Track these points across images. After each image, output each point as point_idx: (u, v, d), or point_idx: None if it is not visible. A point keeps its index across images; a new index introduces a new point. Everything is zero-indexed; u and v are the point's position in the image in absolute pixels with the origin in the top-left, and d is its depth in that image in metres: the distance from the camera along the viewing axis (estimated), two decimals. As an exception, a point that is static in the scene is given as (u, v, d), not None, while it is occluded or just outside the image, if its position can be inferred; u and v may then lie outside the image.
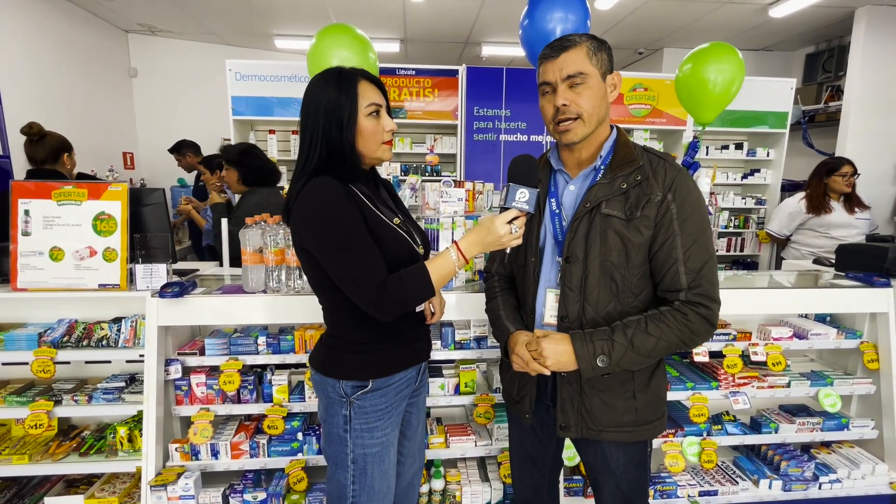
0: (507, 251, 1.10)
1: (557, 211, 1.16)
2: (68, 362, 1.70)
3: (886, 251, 1.95)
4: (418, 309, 1.23)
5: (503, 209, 1.06)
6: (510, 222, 1.04)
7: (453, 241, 1.09)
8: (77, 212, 1.62)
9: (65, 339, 1.68)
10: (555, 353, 1.06)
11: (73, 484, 1.79)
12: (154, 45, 5.57)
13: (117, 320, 1.72)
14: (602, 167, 1.12)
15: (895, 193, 4.40)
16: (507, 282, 1.32)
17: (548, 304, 1.16)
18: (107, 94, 5.12)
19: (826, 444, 1.99)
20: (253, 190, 2.44)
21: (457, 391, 1.80)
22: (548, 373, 1.10)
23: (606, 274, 1.08)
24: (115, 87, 5.28)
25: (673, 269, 1.05)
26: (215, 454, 1.69)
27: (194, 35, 5.57)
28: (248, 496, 1.67)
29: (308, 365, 1.25)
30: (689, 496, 1.79)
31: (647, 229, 1.05)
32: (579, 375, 1.12)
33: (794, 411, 1.96)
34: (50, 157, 2.32)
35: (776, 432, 1.87)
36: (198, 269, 2.03)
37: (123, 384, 1.73)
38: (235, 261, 2.01)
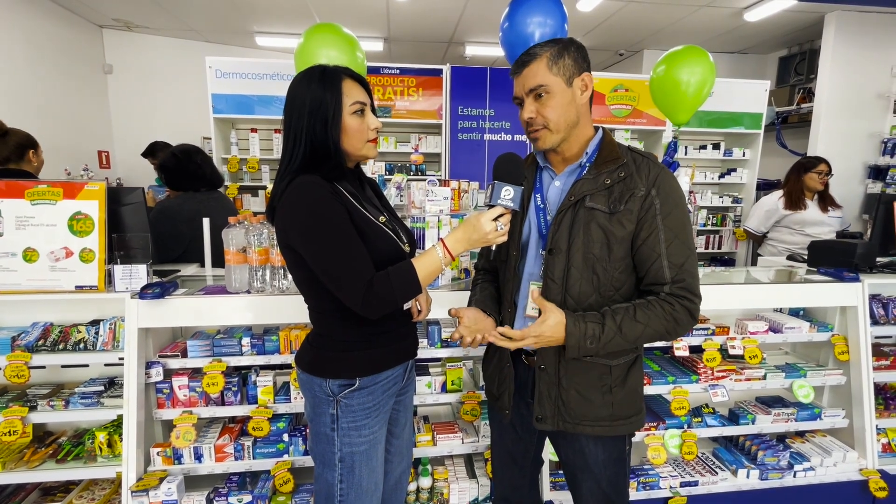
0: (493, 248, 1.11)
1: (542, 206, 1.18)
2: (43, 366, 1.65)
3: (855, 247, 2.03)
4: (405, 307, 1.24)
5: (489, 206, 1.07)
6: (496, 219, 1.06)
7: (440, 239, 1.10)
8: (52, 211, 1.57)
9: (40, 342, 1.63)
10: (554, 325, 1.04)
11: (49, 492, 1.74)
12: (130, 41, 5.43)
13: (95, 323, 1.68)
14: (587, 164, 1.14)
15: (863, 192, 4.58)
16: (491, 276, 1.36)
17: (530, 297, 1.17)
18: (80, 91, 4.97)
19: (800, 434, 2.06)
20: (182, 194, 2.27)
21: (444, 389, 1.81)
22: (499, 340, 1.08)
23: (588, 266, 1.10)
24: (89, 83, 5.13)
25: (657, 263, 1.08)
26: (199, 457, 1.66)
27: (172, 31, 5.45)
28: (233, 499, 1.65)
29: (294, 365, 1.24)
30: (670, 487, 1.84)
31: (630, 223, 1.08)
32: (557, 367, 1.14)
33: (770, 403, 2.02)
34: (14, 154, 2.22)
35: (753, 423, 1.93)
36: (179, 270, 1.99)
37: (102, 388, 1.69)
38: (218, 260, 1.97)
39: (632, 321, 1.06)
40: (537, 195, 1.19)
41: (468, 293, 1.68)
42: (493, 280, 1.34)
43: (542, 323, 1.05)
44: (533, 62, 1.09)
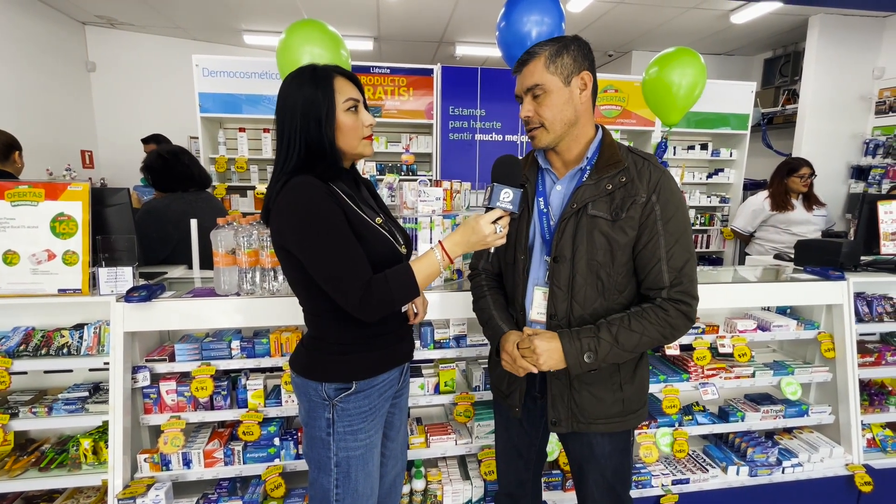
0: (492, 251, 1.11)
1: (545, 210, 1.18)
2: (25, 372, 1.60)
3: (840, 246, 2.07)
4: (402, 309, 1.23)
5: (487, 209, 1.06)
6: (495, 222, 1.05)
7: (438, 241, 1.09)
8: (33, 213, 1.52)
9: (21, 347, 1.58)
10: (546, 351, 1.09)
11: (32, 501, 1.69)
12: (114, 39, 5.32)
13: (79, 327, 1.64)
14: (588, 168, 1.14)
15: (846, 192, 4.67)
16: (494, 279, 1.34)
17: (535, 302, 1.18)
18: (63, 89, 4.85)
19: (788, 431, 2.10)
20: (170, 195, 2.22)
21: (437, 390, 1.80)
22: (535, 370, 1.12)
23: (593, 273, 1.11)
24: (71, 81, 5.01)
25: (656, 267, 1.09)
26: (187, 463, 1.63)
27: (157, 29, 5.35)
28: (223, 505, 1.62)
29: (288, 368, 1.22)
30: (662, 486, 1.85)
31: (632, 230, 1.09)
32: (568, 371, 1.15)
33: (759, 400, 2.05)
34: (1, 154, 2.19)
35: (742, 420, 1.95)
36: (166, 272, 1.95)
37: (87, 394, 1.65)
38: (206, 262, 1.93)
39: (627, 331, 1.07)
40: (540, 199, 1.19)
41: (462, 294, 1.67)
42: (497, 285, 1.32)
43: (532, 352, 1.10)
44: (531, 61, 1.10)
